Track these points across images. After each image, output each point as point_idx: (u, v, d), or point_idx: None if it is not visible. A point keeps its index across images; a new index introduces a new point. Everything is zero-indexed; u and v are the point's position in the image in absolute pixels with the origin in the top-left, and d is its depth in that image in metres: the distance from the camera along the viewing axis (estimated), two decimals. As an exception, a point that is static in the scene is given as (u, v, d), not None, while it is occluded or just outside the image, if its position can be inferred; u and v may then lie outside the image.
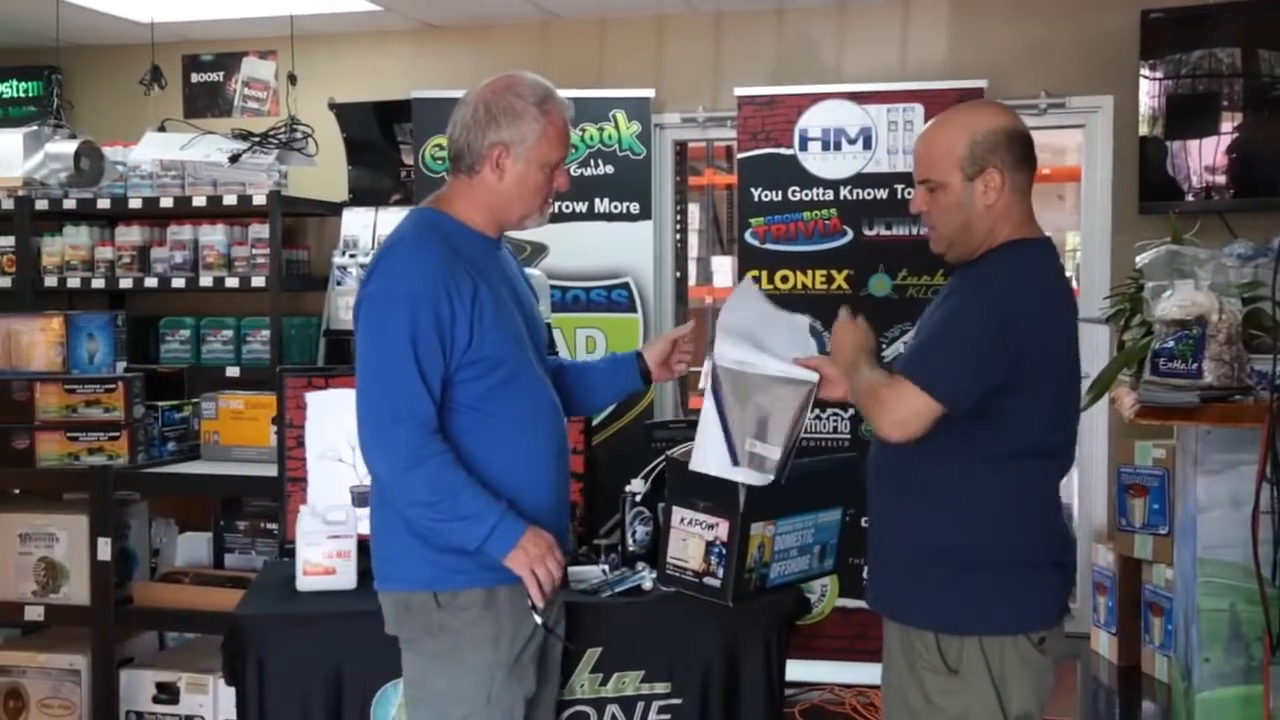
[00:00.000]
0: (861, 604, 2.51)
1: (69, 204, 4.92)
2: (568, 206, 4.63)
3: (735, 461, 2.42)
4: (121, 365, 4.00)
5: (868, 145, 4.41)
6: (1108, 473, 4.57)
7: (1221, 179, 4.35)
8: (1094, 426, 4.71)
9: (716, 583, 2.59)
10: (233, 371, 4.83)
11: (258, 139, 4.60)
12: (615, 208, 4.65)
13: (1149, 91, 4.43)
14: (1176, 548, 3.35)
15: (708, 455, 2.45)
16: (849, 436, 4.38)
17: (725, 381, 2.43)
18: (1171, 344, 2.61)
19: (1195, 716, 2.82)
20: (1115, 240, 4.57)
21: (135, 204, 4.86)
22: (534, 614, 2.35)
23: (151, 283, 4.90)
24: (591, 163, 4.65)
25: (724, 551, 2.57)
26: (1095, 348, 4.73)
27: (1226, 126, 4.36)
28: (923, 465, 2.27)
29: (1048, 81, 4.54)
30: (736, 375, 2.43)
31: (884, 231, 4.40)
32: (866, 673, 3.98)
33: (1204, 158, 4.39)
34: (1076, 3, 4.54)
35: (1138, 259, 3.09)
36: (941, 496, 2.26)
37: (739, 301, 2.54)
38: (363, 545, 2.78)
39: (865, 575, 2.51)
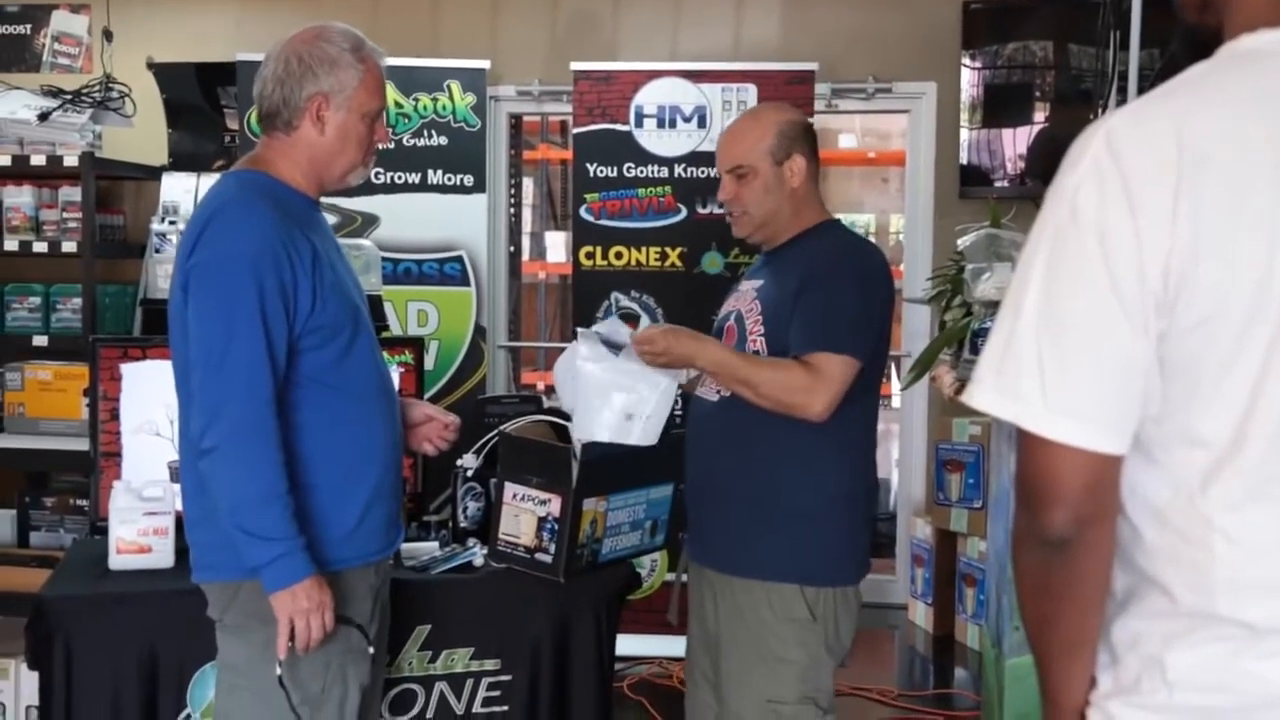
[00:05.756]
0: (691, 578, 2.54)
1: None
2: (400, 177, 4.54)
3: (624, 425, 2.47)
4: (-83, 333, 3.77)
5: (702, 124, 4.44)
6: (927, 449, 4.74)
7: (1035, 166, 4.54)
8: (915, 404, 4.87)
9: (548, 559, 2.59)
10: (40, 340, 4.57)
11: (69, 96, 4.36)
12: (449, 179, 4.58)
13: (970, 80, 4.59)
14: (990, 521, 3.49)
15: (594, 424, 2.47)
16: (680, 414, 4.43)
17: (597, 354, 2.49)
18: (990, 324, 2.71)
19: (1005, 682, 2.95)
20: (937, 223, 4.72)
21: (-70, 162, 4.55)
22: (276, 665, 2.15)
23: (-51, 246, 4.61)
24: (425, 133, 4.56)
25: (556, 527, 2.57)
26: (917, 328, 4.88)
27: (1039, 116, 4.55)
28: (767, 425, 2.40)
29: (875, 67, 4.65)
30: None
31: (717, 210, 4.42)
32: (694, 645, 4.04)
33: (1019, 145, 4.57)
34: (904, -9, 4.67)
35: (958, 242, 3.20)
36: (788, 452, 2.40)
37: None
38: (181, 523, 2.67)
39: (686, 536, 2.59)
